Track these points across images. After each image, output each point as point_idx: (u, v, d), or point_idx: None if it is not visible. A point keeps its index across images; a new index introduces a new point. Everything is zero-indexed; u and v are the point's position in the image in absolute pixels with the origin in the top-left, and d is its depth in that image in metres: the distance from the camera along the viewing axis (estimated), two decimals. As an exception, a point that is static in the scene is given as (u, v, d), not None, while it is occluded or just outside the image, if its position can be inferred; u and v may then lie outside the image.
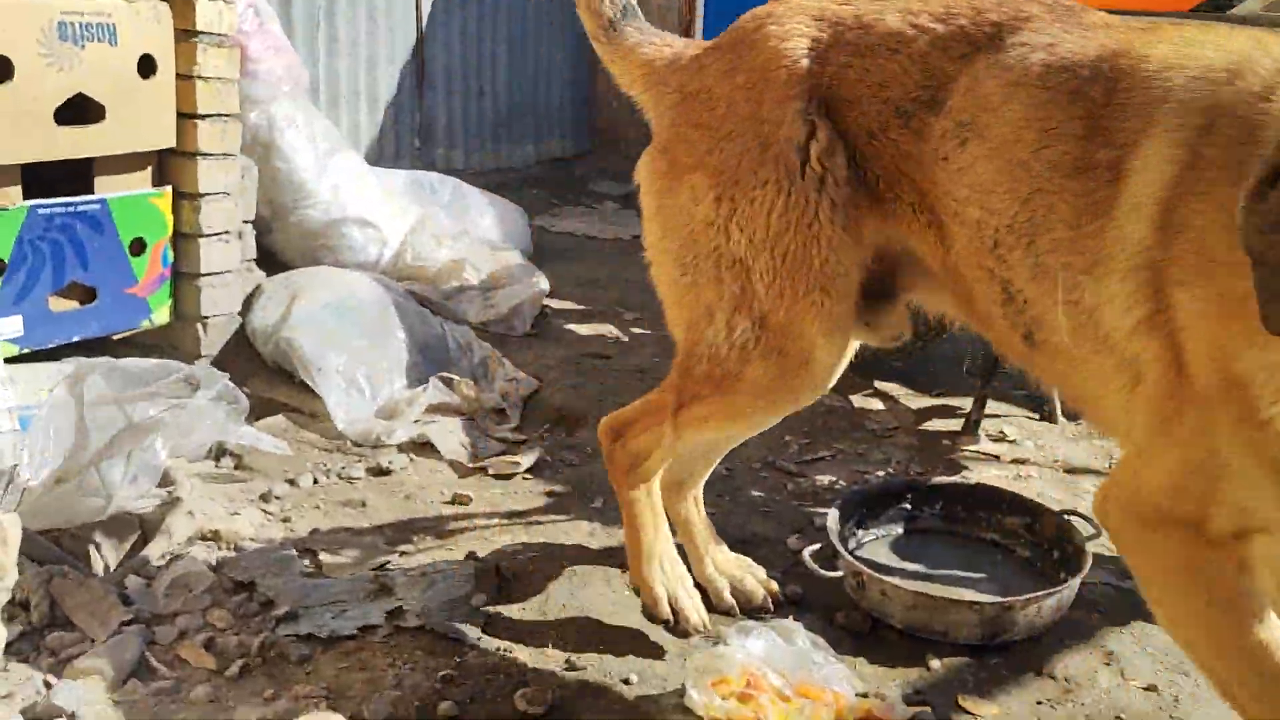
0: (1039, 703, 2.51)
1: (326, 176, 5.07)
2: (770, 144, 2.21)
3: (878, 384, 4.52)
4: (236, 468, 3.61)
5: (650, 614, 2.62)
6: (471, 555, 3.02)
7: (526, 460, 3.64)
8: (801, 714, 2.37)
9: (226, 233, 4.29)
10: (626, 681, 2.53)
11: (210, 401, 3.49)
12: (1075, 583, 2.72)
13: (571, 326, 5.13)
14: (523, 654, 2.61)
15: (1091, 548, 2.88)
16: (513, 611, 2.78)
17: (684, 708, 2.43)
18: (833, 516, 2.98)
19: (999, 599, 2.65)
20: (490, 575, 2.89)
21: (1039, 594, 2.64)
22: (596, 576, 2.94)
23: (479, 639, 2.66)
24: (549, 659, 2.60)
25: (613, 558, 3.05)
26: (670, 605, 2.66)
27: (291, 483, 3.49)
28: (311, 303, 4.28)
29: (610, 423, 2.70)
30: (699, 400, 2.44)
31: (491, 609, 2.77)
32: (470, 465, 3.68)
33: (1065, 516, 3.01)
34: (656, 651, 2.65)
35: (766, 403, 2.42)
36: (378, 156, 6.81)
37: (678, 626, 2.63)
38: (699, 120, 2.33)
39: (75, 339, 3.84)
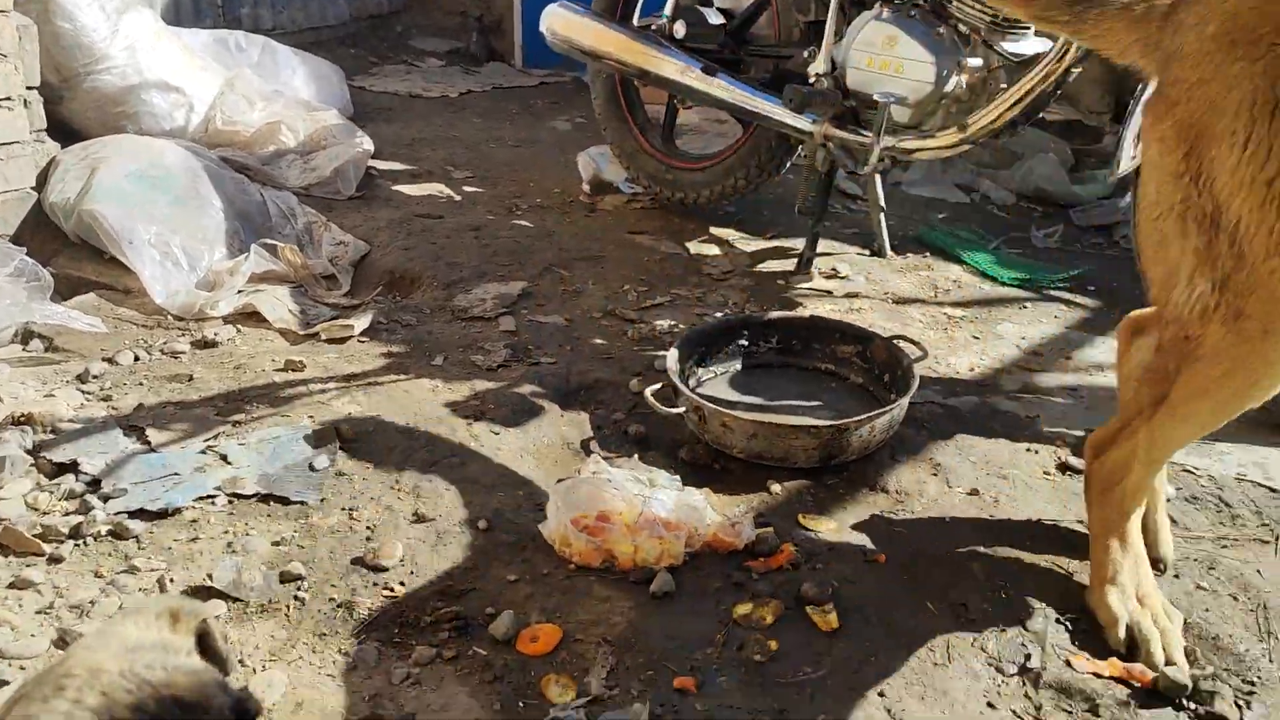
0: (873, 515, 2.64)
1: (119, 37, 4.67)
2: (1239, 91, 1.91)
3: (713, 230, 4.55)
4: (48, 350, 3.39)
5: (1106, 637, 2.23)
6: (310, 420, 2.94)
7: (360, 324, 3.54)
8: (653, 543, 2.42)
9: (8, 99, 3.92)
10: (477, 526, 2.53)
11: (8, 279, 3.23)
12: (904, 402, 2.84)
13: (400, 188, 4.95)
14: (369, 510, 2.58)
15: (919, 369, 3.01)
16: (356, 471, 2.73)
17: (540, 541, 2.45)
18: (671, 356, 3.01)
19: (834, 422, 2.75)
20: (330, 438, 2.82)
21: (871, 414, 2.75)
22: (441, 431, 2.91)
23: (322, 501, 2.61)
24: (396, 513, 2.57)
25: (458, 411, 3.02)
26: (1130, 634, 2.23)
27: (110, 361, 3.30)
28: (114, 173, 3.99)
29: (1094, 439, 2.40)
30: (1169, 380, 2.14)
31: (334, 471, 2.72)
32: (302, 332, 3.55)
33: (894, 341, 3.13)
34: (509, 497, 2.66)
35: (1227, 378, 2.06)
36: (175, 16, 6.31)
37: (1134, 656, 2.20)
38: (1174, 76, 2.09)
39: None
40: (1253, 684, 2.12)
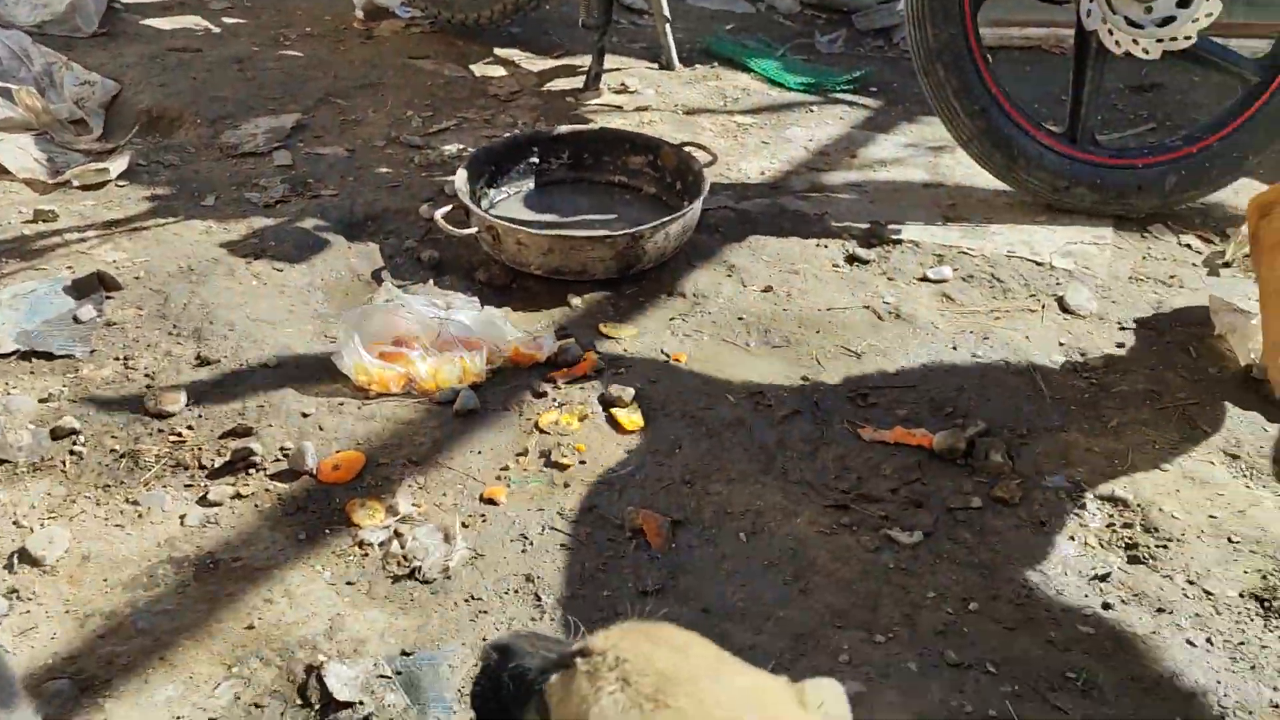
0: (672, 318, 2.67)
1: None
2: None
3: (497, 51, 4.36)
4: None
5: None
6: (69, 270, 2.71)
7: (117, 167, 3.25)
8: (452, 363, 2.38)
9: None
10: (267, 364, 2.42)
11: None
12: (696, 206, 2.85)
13: (150, 22, 4.51)
14: (147, 358, 2.42)
15: (710, 175, 3.01)
16: (128, 320, 2.55)
17: (335, 372, 2.37)
18: (460, 176, 2.91)
19: (628, 231, 2.73)
20: (93, 287, 2.62)
21: (664, 220, 2.74)
22: (219, 272, 2.74)
23: (93, 353, 2.43)
24: (177, 359, 2.43)
25: (236, 251, 2.84)
26: None
27: None
28: None
29: (1260, 200, 2.37)
30: None
31: (103, 321, 2.53)
32: (51, 181, 3.24)
33: (683, 148, 3.11)
34: (299, 332, 2.55)
35: None
36: None
37: None
38: None
39: None
40: (1023, 436, 2.28)
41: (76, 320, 2.51)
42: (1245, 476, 2.19)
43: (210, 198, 3.12)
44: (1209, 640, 1.82)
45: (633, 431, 2.27)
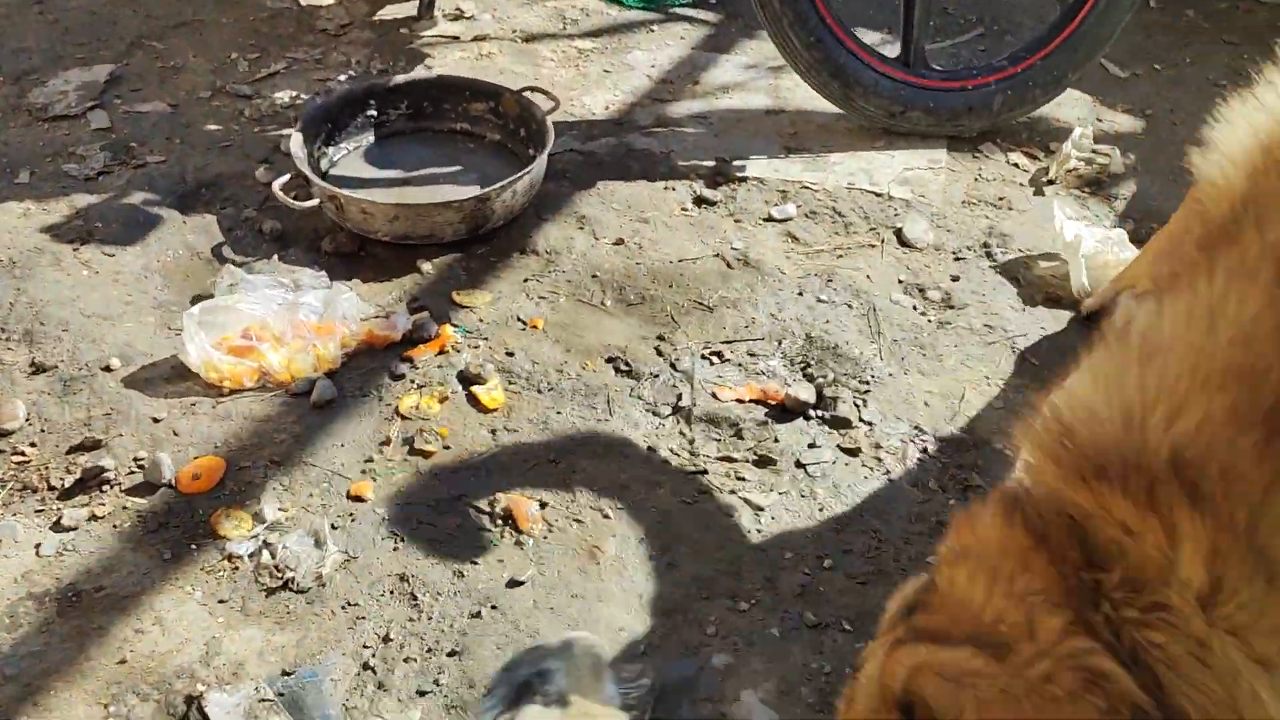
0: (526, 279, 2.67)
1: None
2: None
3: (322, -24, 4.15)
4: None
5: None
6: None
7: (-84, 141, 3.01)
8: (306, 352, 2.35)
9: None
10: (109, 365, 2.34)
11: None
12: (542, 159, 2.82)
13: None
14: (-23, 370, 2.31)
15: (552, 119, 2.97)
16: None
17: (184, 370, 2.31)
18: (296, 140, 2.80)
19: (474, 194, 2.70)
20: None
21: (510, 179, 2.71)
22: (44, 263, 2.61)
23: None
24: (9, 367, 2.33)
25: (60, 235, 2.71)
26: None
27: None
28: None
29: None
30: None
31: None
32: None
33: (523, 94, 3.06)
34: (140, 326, 2.46)
35: None
36: None
37: None
38: None
39: None
40: (867, 384, 2.40)
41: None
42: (1069, 407, 2.35)
43: (24, 173, 2.93)
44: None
45: (495, 410, 2.30)
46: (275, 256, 2.68)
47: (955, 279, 2.71)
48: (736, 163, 3.09)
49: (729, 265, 2.72)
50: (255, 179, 2.95)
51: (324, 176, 2.89)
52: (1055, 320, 2.58)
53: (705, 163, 3.10)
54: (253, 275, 2.53)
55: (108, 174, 2.94)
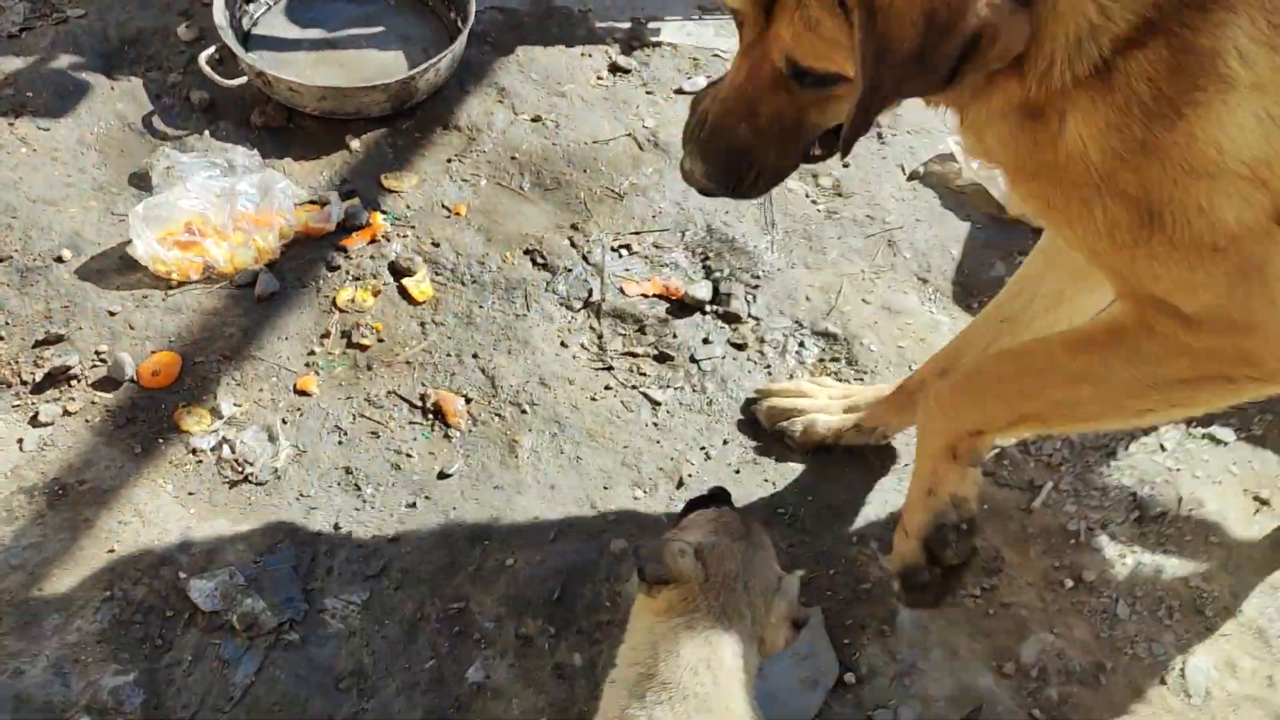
0: (449, 160, 2.85)
1: None
2: None
3: None
4: None
5: None
6: None
7: None
8: (246, 245, 2.55)
9: None
10: (60, 256, 2.53)
11: None
12: (463, 38, 2.91)
13: None
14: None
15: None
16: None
17: (134, 262, 2.50)
18: (218, 7, 2.85)
19: (400, 76, 2.81)
20: None
21: (433, 60, 2.82)
22: (-19, 138, 2.70)
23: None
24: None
25: (-10, 106, 2.78)
26: None
27: None
28: None
29: None
30: None
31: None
32: None
33: (445, -49, 3.09)
34: (84, 211, 2.61)
35: None
36: None
37: None
38: None
39: None
40: (758, 278, 2.69)
41: None
42: (931, 302, 2.69)
43: (-55, 29, 2.94)
44: (882, 458, 2.38)
45: (423, 303, 2.56)
46: (206, 132, 2.80)
47: (846, 165, 2.95)
48: (651, 25, 3.20)
49: (640, 147, 2.92)
50: (178, 36, 3.00)
51: (246, 37, 2.96)
52: (932, 213, 2.85)
53: (621, 24, 3.21)
54: (186, 156, 2.68)
55: (30, 30, 2.97)
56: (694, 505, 1.93)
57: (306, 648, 2.01)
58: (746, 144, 1.68)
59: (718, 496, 1.96)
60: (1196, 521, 2.36)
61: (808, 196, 2.87)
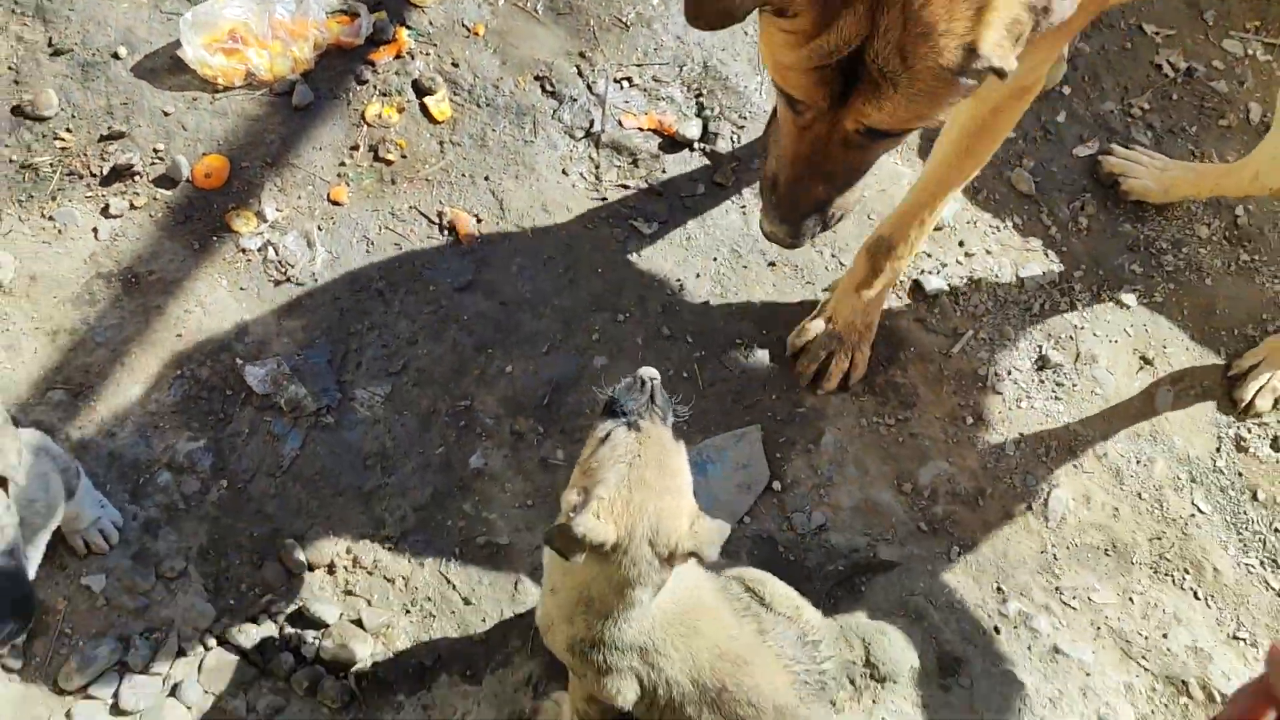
0: (471, -26, 3.03)
1: None
2: None
3: None
4: None
5: None
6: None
7: None
8: (285, 54, 2.80)
9: None
10: (116, 53, 2.78)
11: None
12: None
13: None
14: (3, 47, 2.74)
15: None
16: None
17: (183, 65, 2.77)
18: None
19: (426, -112, 2.94)
20: (-80, -42, 2.77)
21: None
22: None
23: (-50, 42, 2.72)
24: (33, 47, 2.75)
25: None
26: None
27: None
28: None
29: None
30: None
31: (-56, 2, 2.75)
32: None
33: None
34: (136, 19, 2.84)
35: None
36: None
37: None
38: None
39: None
40: (745, 119, 2.97)
41: (-84, -2, 2.73)
42: (898, 156, 3.00)
43: None
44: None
45: (442, 122, 2.85)
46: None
47: (843, 8, 3.14)
48: None
49: (650, -26, 3.10)
50: None
51: None
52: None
53: None
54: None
55: None
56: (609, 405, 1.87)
57: (339, 430, 2.49)
58: (825, 197, 1.81)
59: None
60: (1087, 375, 2.80)
61: (802, 37, 3.08)
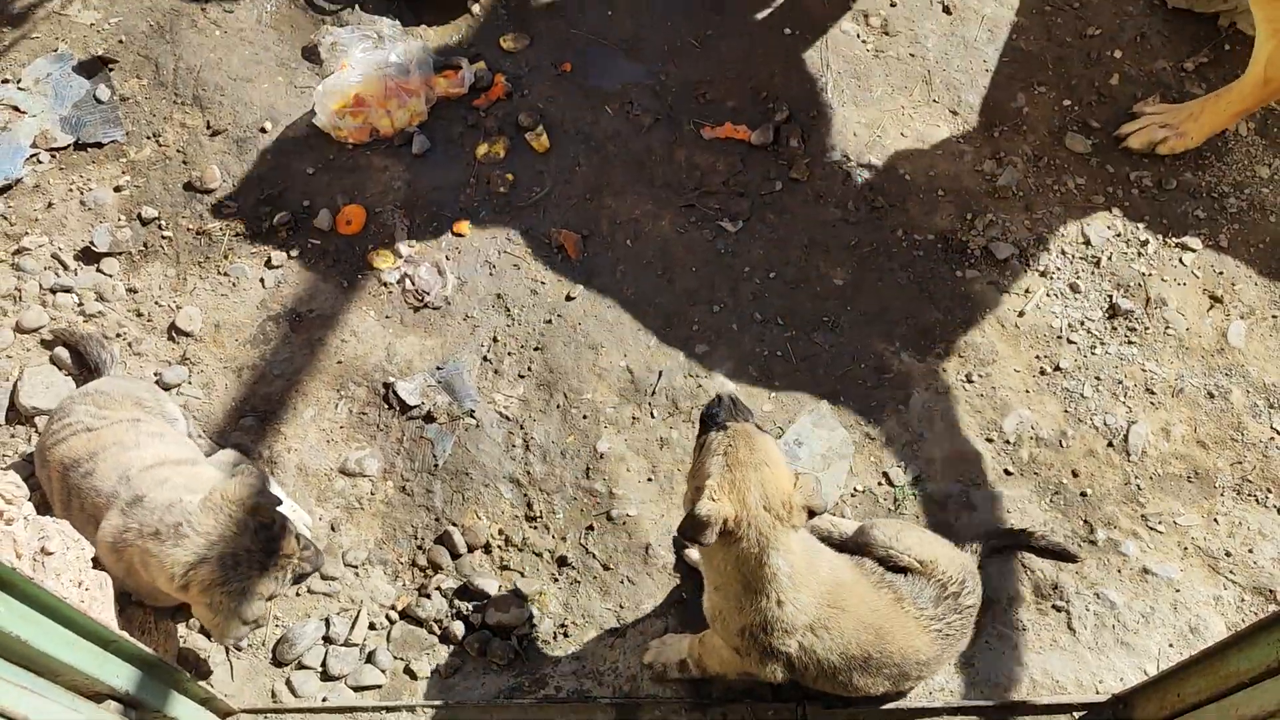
0: (549, 23, 3.40)
1: None
2: None
3: None
4: None
5: None
6: (63, 44, 3.31)
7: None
8: (402, 110, 3.21)
9: None
10: (263, 128, 3.24)
11: None
12: (561, -97, 3.37)
13: None
14: (171, 133, 3.22)
15: None
16: (135, 92, 3.26)
17: (317, 131, 3.20)
18: (354, -108, 3.35)
19: (509, -51, 3.32)
20: (98, 66, 3.26)
21: (537, -68, 3.32)
22: (183, 25, 3.35)
23: (128, 135, 3.21)
24: (194, 132, 3.22)
25: (184, -6, 3.40)
26: None
27: None
28: None
29: None
30: None
31: (118, 97, 3.24)
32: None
33: None
34: (274, 87, 3.29)
35: None
36: None
37: None
38: None
39: None
40: (814, 117, 3.26)
41: (98, 100, 3.24)
42: (959, 131, 3.25)
43: (131, -83, 3.52)
44: (908, 273, 3.05)
45: (543, 154, 3.22)
46: (356, 6, 3.40)
47: (894, 4, 3.41)
48: None
49: (716, -3, 3.42)
50: (320, -90, 3.52)
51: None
52: (966, 44, 3.33)
53: None
54: (344, 30, 3.30)
55: (198, -85, 3.52)
56: (702, 422, 2.12)
57: (482, 430, 2.87)
58: None
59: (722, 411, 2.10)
60: (1158, 318, 3.00)
61: (859, 36, 3.37)
